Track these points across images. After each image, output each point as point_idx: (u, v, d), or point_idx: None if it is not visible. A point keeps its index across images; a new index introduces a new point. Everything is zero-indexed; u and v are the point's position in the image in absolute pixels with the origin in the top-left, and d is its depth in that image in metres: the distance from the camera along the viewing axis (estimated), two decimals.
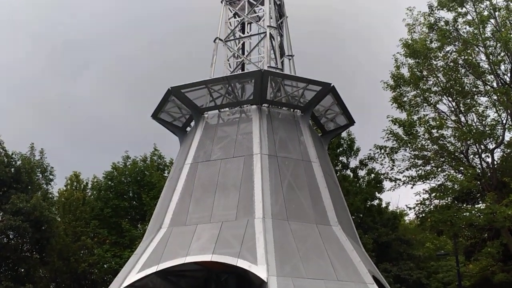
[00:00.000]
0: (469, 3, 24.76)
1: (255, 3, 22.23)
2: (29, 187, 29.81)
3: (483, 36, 23.96)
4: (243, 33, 22.86)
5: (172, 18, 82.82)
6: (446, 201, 25.50)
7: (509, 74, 24.30)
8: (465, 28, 24.75)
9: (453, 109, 25.10)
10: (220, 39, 21.54)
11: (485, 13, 24.31)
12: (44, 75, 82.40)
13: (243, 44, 22.89)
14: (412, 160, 25.41)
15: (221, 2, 22.38)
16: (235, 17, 22.90)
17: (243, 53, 22.49)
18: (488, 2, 24.51)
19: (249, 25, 22.90)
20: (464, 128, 24.06)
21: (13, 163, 29.66)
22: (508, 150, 24.60)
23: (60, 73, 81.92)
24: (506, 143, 24.24)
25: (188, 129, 21.35)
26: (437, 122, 24.18)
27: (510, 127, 23.73)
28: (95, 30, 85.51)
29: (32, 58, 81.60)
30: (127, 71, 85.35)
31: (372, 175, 32.84)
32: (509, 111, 23.68)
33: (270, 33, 20.99)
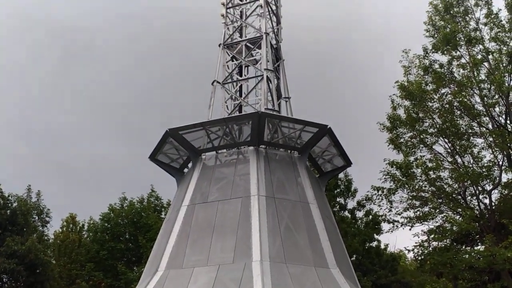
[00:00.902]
0: (462, 47, 25.26)
1: (252, 46, 22.61)
2: (25, 230, 29.55)
3: (477, 78, 24.34)
4: (241, 75, 23.16)
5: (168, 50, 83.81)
6: (445, 243, 25.32)
7: (503, 116, 24.57)
8: (459, 71, 25.19)
9: (449, 150, 25.24)
10: (218, 82, 21.81)
11: (479, 56, 24.78)
12: (34, 112, 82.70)
13: (241, 87, 23.15)
14: (410, 201, 25.37)
15: (219, 45, 22.77)
16: (232, 61, 23.23)
17: (240, 95, 22.72)
18: (481, 46, 25.01)
19: (246, 68, 23.23)
20: (461, 170, 24.13)
21: (9, 205, 29.49)
22: (506, 192, 24.60)
23: (50, 108, 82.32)
24: (503, 184, 24.28)
25: (186, 170, 21.36)
26: (434, 164, 24.27)
27: (507, 168, 23.80)
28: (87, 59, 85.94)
29: (20, 95, 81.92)
30: (126, 110, 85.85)
31: (370, 217, 32.70)
32: (505, 153, 23.81)
33: (267, 76, 21.26)
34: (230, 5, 23.72)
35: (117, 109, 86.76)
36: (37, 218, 31.82)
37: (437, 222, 25.17)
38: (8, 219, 28.60)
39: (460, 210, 24.08)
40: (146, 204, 36.45)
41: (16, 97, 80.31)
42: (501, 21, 24.98)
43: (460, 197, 25.05)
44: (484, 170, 23.98)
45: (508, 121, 24.42)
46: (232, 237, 16.93)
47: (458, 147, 25.03)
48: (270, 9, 23.77)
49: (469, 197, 25.18)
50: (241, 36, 23.43)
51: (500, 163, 24.30)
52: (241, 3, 23.91)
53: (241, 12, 24.00)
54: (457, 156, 25.17)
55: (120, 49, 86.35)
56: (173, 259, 17.16)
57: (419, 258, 25.88)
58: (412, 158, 25.10)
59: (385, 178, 25.28)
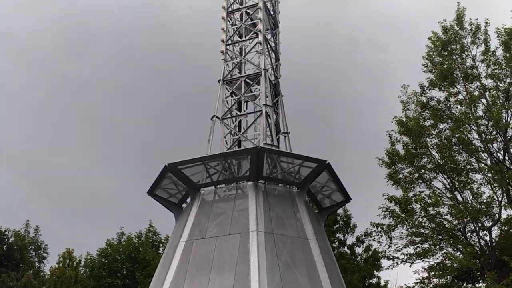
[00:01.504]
0: (459, 83, 25.52)
1: (251, 82, 22.84)
2: (21, 265, 29.28)
3: (474, 115, 24.51)
4: (240, 111, 23.32)
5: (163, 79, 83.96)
6: (446, 280, 25.02)
7: (502, 152, 24.64)
8: (457, 107, 25.39)
9: (448, 186, 25.21)
10: (217, 117, 21.94)
11: (476, 93, 25.02)
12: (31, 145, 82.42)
13: (240, 122, 23.30)
14: (410, 237, 25.19)
15: (219, 81, 23.00)
16: (232, 96, 23.45)
17: (239, 130, 22.84)
18: (478, 83, 25.29)
19: (245, 103, 23.43)
20: (460, 206, 24.04)
21: (6, 240, 29.29)
22: (506, 228, 24.45)
23: (44, 139, 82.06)
24: (502, 220, 24.15)
25: (184, 205, 21.27)
26: (433, 200, 24.21)
27: (506, 204, 23.72)
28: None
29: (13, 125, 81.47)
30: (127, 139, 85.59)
31: (370, 252, 32.40)
32: (504, 189, 23.77)
33: (266, 112, 21.40)
34: (229, 42, 24.08)
35: (115, 142, 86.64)
36: (34, 253, 31.55)
37: (437, 258, 24.94)
38: (4, 254, 28.37)
39: (461, 246, 23.90)
40: (144, 239, 36.18)
41: (9, 123, 79.97)
42: (498, 58, 25.31)
43: (460, 233, 24.89)
44: (483, 206, 23.90)
45: (506, 157, 24.48)
46: (230, 274, 16.75)
47: (457, 183, 25.00)
48: (269, 46, 24.12)
49: (469, 234, 25.01)
50: (240, 72, 23.70)
51: (500, 199, 24.23)
52: (240, 40, 24.28)
53: (240, 48, 24.36)
54: (456, 192, 25.11)
55: (120, 73, 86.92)
56: None
57: None
58: (411, 194, 25.06)
59: (384, 215, 25.18)
